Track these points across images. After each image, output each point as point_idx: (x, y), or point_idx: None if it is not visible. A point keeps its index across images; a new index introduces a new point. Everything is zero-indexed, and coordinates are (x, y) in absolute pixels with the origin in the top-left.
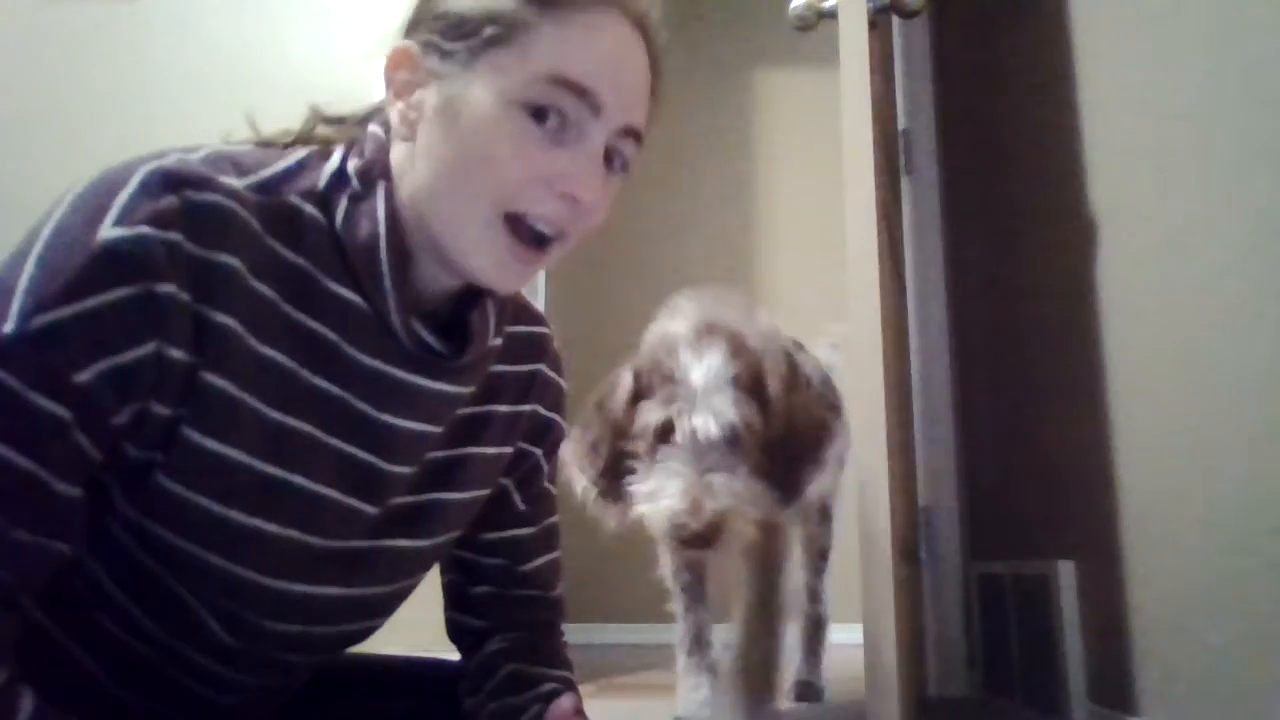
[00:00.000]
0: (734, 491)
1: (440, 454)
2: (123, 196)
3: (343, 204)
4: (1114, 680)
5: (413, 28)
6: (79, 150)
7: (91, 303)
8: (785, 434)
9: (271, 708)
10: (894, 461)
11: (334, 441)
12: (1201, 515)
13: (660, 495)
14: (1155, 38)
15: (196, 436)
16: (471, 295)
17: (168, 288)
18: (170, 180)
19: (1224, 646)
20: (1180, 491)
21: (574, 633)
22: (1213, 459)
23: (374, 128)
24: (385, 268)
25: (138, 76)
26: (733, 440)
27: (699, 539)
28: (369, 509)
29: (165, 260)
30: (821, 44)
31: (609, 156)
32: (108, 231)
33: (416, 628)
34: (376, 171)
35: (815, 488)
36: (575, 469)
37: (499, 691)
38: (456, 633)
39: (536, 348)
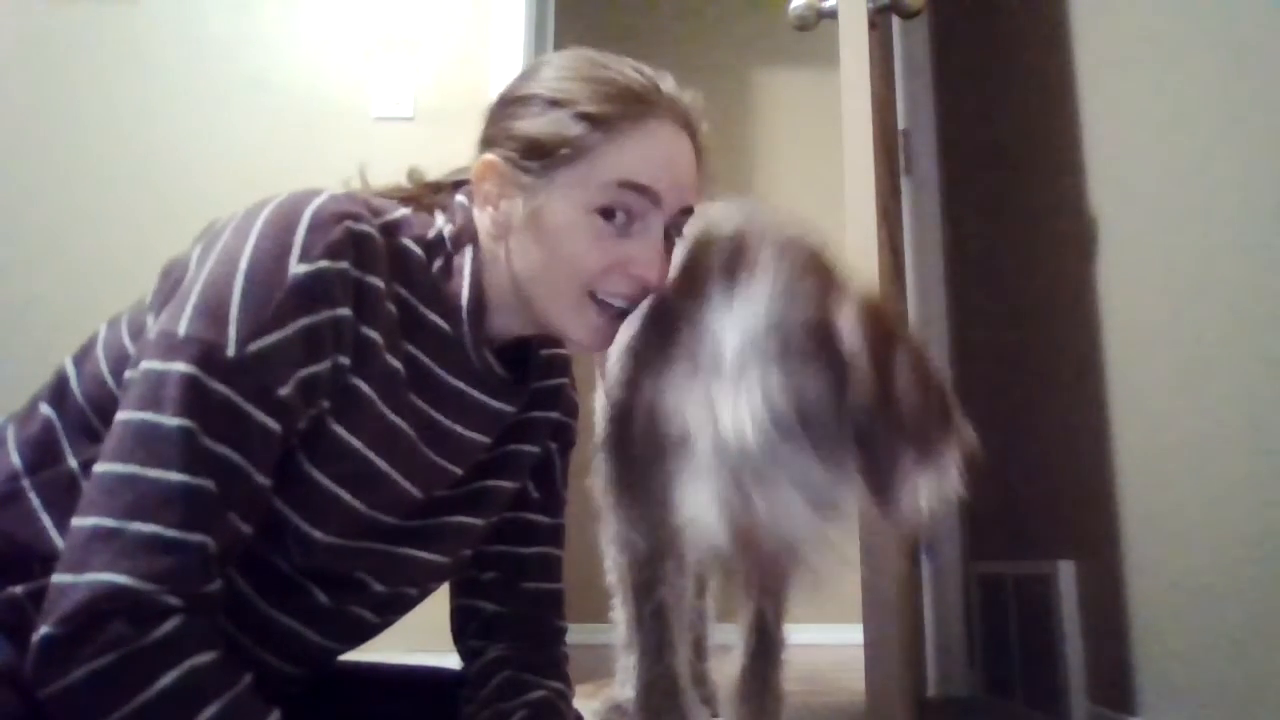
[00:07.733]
0: (808, 500)
1: (493, 451)
2: (300, 235)
3: (440, 259)
4: (1114, 680)
5: (490, 143)
6: (79, 150)
7: (290, 330)
8: (879, 400)
9: (297, 689)
10: None
11: (420, 445)
12: (1201, 515)
13: (689, 504)
14: (1155, 37)
15: (335, 428)
16: (527, 337)
17: (344, 311)
18: (336, 215)
19: (1223, 646)
20: (1180, 491)
21: (574, 633)
22: (1212, 459)
23: (460, 198)
24: (464, 314)
25: (138, 76)
26: (798, 426)
27: (763, 581)
28: (421, 496)
29: (339, 287)
30: (821, 44)
31: (667, 232)
32: (295, 268)
33: (414, 630)
34: (465, 238)
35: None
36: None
37: (490, 698)
38: (462, 621)
39: (562, 367)
